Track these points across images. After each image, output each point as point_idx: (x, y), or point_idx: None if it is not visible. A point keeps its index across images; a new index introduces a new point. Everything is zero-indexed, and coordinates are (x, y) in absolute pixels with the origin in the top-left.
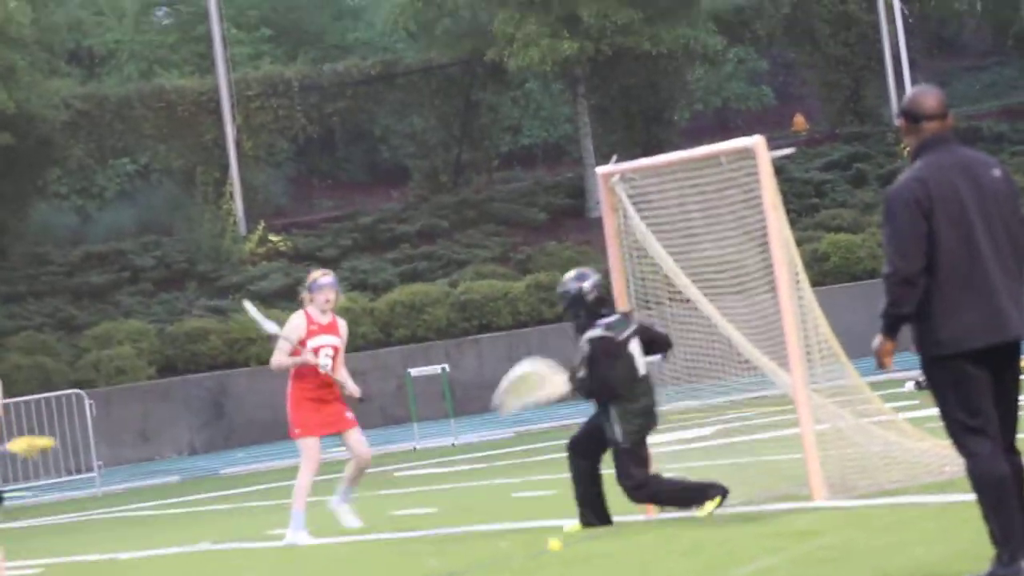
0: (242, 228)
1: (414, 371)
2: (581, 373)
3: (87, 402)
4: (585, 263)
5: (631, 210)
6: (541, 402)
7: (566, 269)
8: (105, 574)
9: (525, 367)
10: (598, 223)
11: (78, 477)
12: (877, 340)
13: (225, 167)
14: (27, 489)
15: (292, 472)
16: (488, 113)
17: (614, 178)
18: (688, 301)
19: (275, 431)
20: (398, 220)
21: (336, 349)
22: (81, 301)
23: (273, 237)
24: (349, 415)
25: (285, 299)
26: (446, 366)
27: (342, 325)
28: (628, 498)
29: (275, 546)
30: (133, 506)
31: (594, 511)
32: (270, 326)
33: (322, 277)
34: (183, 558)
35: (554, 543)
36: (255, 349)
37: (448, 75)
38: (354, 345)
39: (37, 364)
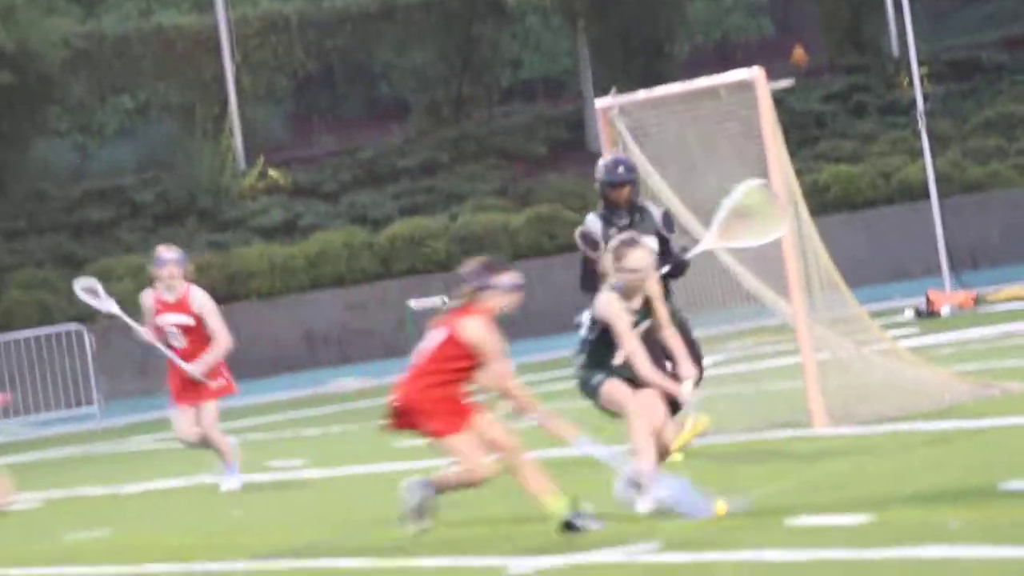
0: (241, 164)
1: (414, 303)
2: None
3: (87, 337)
4: (585, 196)
5: (631, 143)
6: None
7: (566, 202)
8: (106, 508)
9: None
10: (598, 156)
11: (78, 411)
12: None
13: (224, 104)
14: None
15: (293, 405)
16: (488, 47)
17: (613, 111)
18: (687, 232)
19: (276, 365)
20: (398, 154)
21: (185, 328)
22: (81, 237)
23: (273, 172)
24: (212, 384)
25: (284, 233)
26: (446, 298)
27: (196, 298)
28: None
29: (273, 479)
30: (133, 440)
31: None
32: (107, 306)
33: (164, 252)
34: (183, 491)
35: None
36: (256, 283)
37: (448, 9)
38: (354, 279)
39: (37, 300)
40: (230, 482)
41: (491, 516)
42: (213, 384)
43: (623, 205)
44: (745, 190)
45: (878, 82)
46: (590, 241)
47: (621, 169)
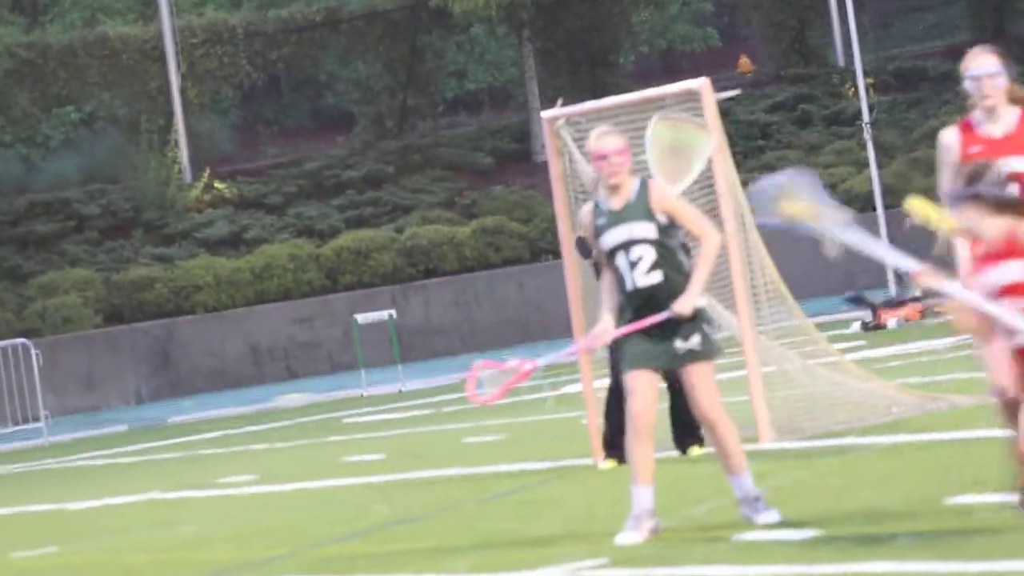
0: (187, 176)
1: (360, 317)
2: None
3: (33, 352)
4: (531, 207)
5: (577, 154)
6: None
7: (512, 214)
8: (54, 524)
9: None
10: (544, 167)
11: (25, 427)
12: None
13: (170, 115)
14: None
15: (240, 420)
16: (433, 58)
17: (559, 122)
18: None
19: (222, 379)
20: (343, 166)
21: None
22: (27, 250)
23: (219, 184)
24: None
25: (231, 246)
26: (393, 312)
27: None
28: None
29: (224, 494)
30: (81, 456)
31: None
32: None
33: None
34: (132, 507)
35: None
36: (201, 297)
37: (393, 20)
38: (300, 291)
39: None
40: None
41: (438, 531)
42: None
43: None
44: (655, 131)
45: (823, 92)
46: None
47: None
